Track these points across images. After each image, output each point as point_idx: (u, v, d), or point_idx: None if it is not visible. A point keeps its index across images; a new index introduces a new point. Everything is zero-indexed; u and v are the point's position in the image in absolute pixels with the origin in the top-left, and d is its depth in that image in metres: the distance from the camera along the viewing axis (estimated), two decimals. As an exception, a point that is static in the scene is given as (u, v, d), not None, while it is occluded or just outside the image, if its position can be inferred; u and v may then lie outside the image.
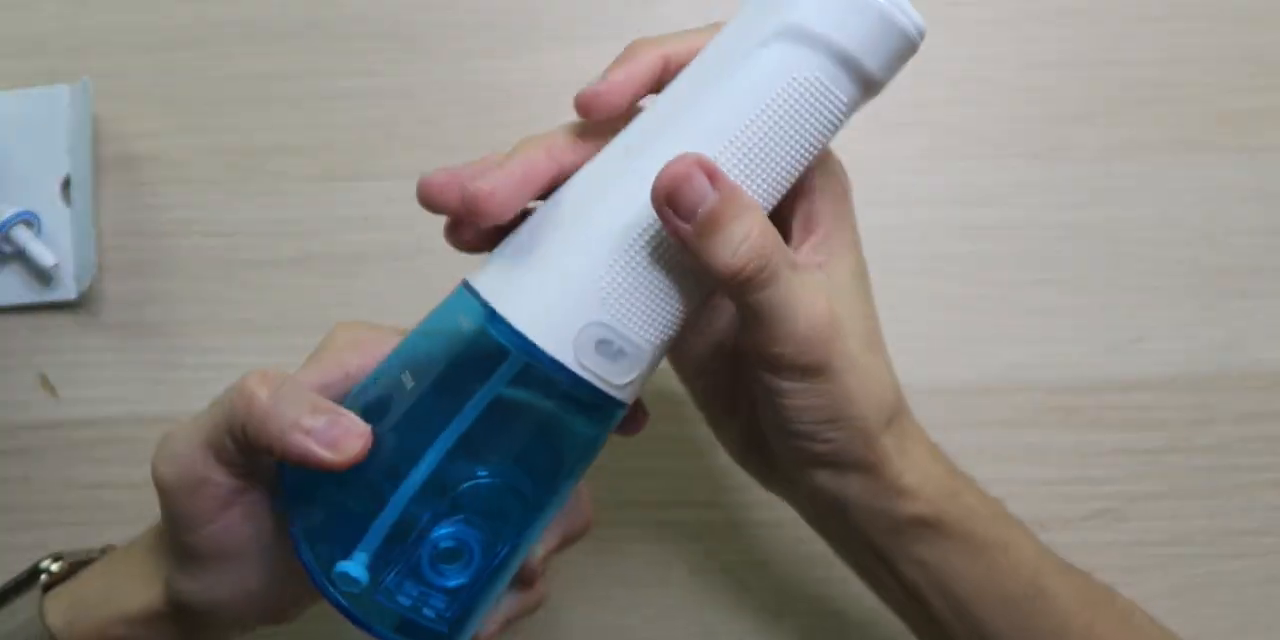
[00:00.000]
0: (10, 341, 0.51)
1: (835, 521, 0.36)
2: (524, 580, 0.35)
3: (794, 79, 0.31)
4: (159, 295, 0.52)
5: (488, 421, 0.31)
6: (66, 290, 0.51)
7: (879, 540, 0.35)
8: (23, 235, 0.51)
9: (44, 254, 0.50)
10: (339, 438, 0.31)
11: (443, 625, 0.32)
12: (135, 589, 0.37)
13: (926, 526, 0.34)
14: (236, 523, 0.34)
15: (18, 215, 0.50)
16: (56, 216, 0.52)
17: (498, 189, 0.31)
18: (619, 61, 0.33)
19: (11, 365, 0.51)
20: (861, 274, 0.35)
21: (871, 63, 0.32)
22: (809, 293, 0.32)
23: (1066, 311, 0.52)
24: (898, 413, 0.34)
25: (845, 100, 0.32)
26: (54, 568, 0.40)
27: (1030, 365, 0.52)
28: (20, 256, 0.51)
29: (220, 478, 0.33)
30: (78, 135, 0.52)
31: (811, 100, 0.31)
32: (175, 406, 0.51)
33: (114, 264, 0.52)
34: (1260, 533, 0.51)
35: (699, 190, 0.30)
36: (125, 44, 0.54)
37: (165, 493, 0.34)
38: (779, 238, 0.31)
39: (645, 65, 0.33)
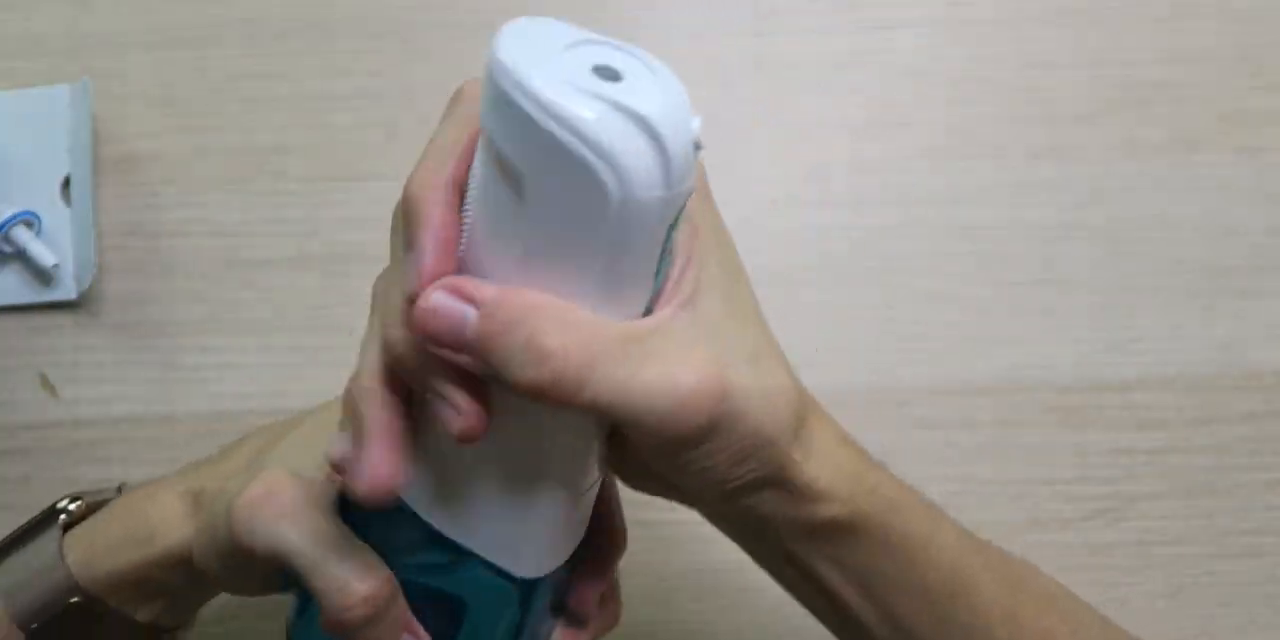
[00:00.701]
0: (10, 341, 0.51)
1: (747, 532, 0.34)
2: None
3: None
4: (159, 295, 0.52)
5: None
6: (66, 290, 0.51)
7: (793, 545, 0.33)
8: (23, 235, 0.51)
9: (44, 254, 0.50)
10: None
11: None
12: (159, 533, 0.37)
13: (842, 527, 0.32)
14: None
15: (18, 215, 0.50)
16: (56, 216, 0.52)
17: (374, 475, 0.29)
18: (417, 230, 0.28)
19: (11, 365, 0.51)
20: (729, 289, 0.30)
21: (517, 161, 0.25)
22: (656, 365, 0.27)
23: (1066, 311, 0.52)
24: (800, 416, 0.31)
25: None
26: (71, 507, 0.40)
27: (1030, 365, 0.52)
28: (20, 256, 0.51)
29: None
30: (78, 135, 0.52)
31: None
32: (175, 406, 0.51)
33: (114, 264, 0.52)
34: (1260, 533, 0.51)
35: (453, 314, 0.27)
36: (125, 44, 0.54)
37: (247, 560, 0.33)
38: (585, 327, 0.27)
39: (455, 222, 0.28)
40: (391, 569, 0.32)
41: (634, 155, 0.24)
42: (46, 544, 0.38)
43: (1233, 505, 0.51)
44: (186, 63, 0.54)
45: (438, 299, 0.27)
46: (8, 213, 0.50)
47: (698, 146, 0.25)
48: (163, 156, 0.53)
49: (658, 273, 0.28)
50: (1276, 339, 0.52)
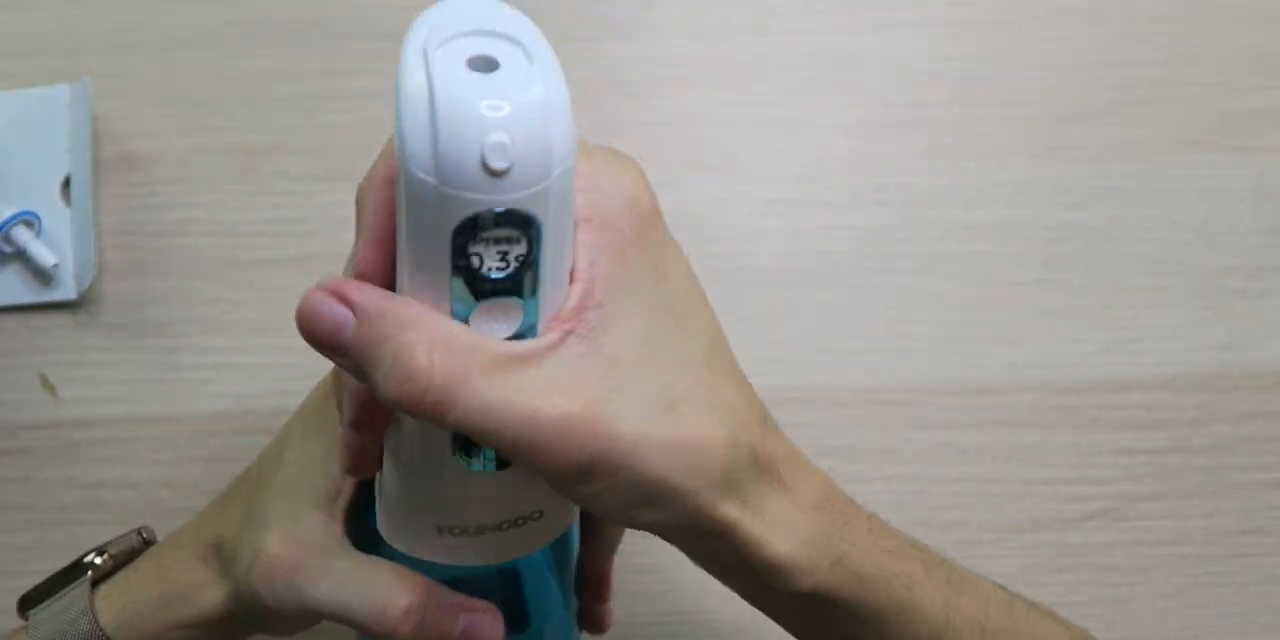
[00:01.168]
0: (10, 341, 0.51)
1: (715, 572, 0.33)
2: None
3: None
4: (159, 295, 0.52)
5: None
6: (66, 290, 0.51)
7: (758, 602, 0.33)
8: (23, 235, 0.51)
9: (44, 254, 0.50)
10: None
11: None
12: (194, 595, 0.37)
13: (806, 598, 0.31)
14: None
15: (18, 215, 0.50)
16: (56, 216, 0.52)
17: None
18: (359, 225, 0.30)
19: (11, 365, 0.51)
20: (652, 329, 0.28)
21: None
22: (527, 393, 0.26)
23: (1066, 311, 0.52)
24: (741, 471, 0.29)
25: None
26: (98, 561, 0.39)
27: (1030, 365, 0.52)
28: (20, 256, 0.51)
29: None
30: (78, 135, 0.52)
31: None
32: (175, 406, 0.51)
33: (114, 264, 0.52)
34: (1260, 533, 0.51)
35: (331, 318, 0.27)
36: (125, 44, 0.54)
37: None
38: (459, 346, 0.26)
39: (388, 216, 0.29)
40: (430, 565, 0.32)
41: (415, 133, 0.24)
42: (76, 601, 0.38)
43: (1233, 505, 0.51)
44: (186, 63, 0.54)
45: (316, 300, 0.27)
46: (8, 213, 0.50)
47: (493, 170, 0.24)
48: (163, 156, 0.53)
49: (525, 294, 0.26)
50: (1276, 339, 0.52)
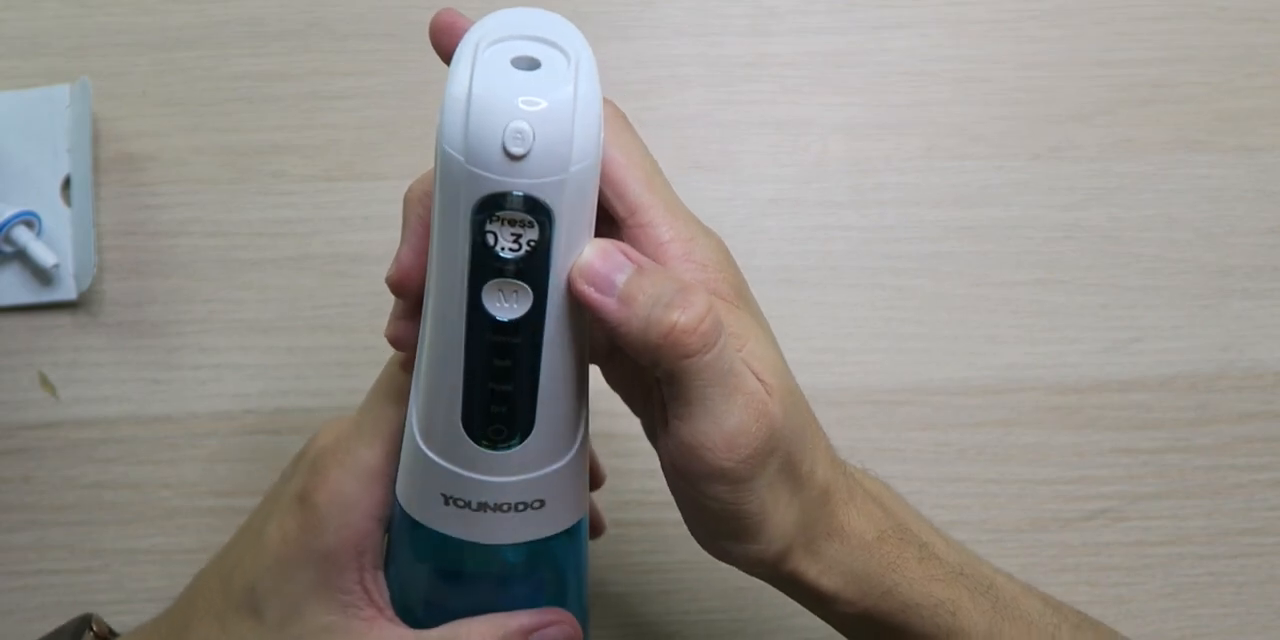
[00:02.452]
0: (10, 341, 0.51)
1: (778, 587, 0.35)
2: None
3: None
4: (159, 295, 0.52)
5: None
6: (66, 290, 0.51)
7: (813, 612, 0.34)
8: (23, 235, 0.51)
9: (44, 254, 0.50)
10: None
11: None
12: None
13: (857, 618, 0.33)
14: None
15: (18, 215, 0.50)
16: (56, 216, 0.52)
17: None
18: (404, 227, 0.32)
19: (11, 365, 0.51)
20: (791, 379, 0.32)
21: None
22: (750, 382, 0.29)
23: (1066, 311, 0.52)
24: (814, 528, 0.32)
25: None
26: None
27: (1029, 365, 0.52)
28: (20, 256, 0.51)
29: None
30: (78, 135, 0.52)
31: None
32: (175, 406, 0.51)
33: (114, 264, 0.52)
34: (1260, 533, 0.51)
35: (615, 263, 0.29)
36: (125, 44, 0.54)
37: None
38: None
39: (423, 228, 0.31)
40: (477, 587, 0.34)
41: (452, 114, 0.27)
42: None
43: (1233, 505, 0.51)
44: (186, 63, 0.54)
45: (609, 249, 0.29)
46: (8, 213, 0.50)
47: (511, 154, 0.27)
48: (163, 156, 0.53)
49: (534, 280, 0.28)
50: (1276, 339, 0.52)
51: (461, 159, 0.27)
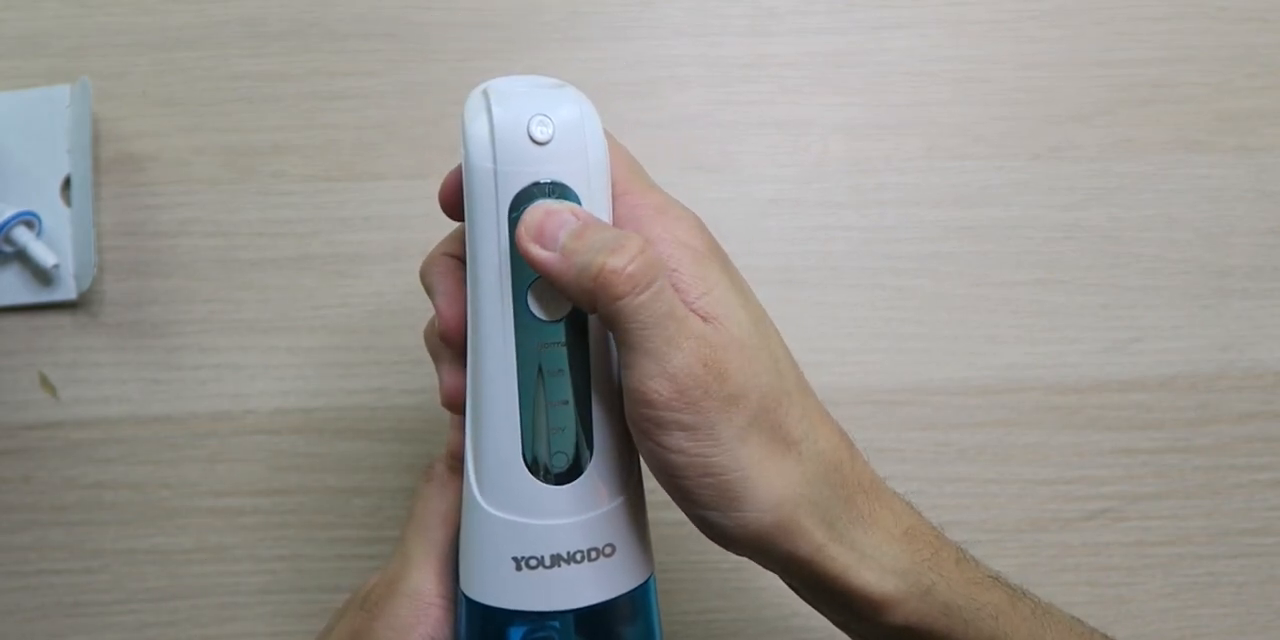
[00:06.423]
0: (10, 341, 0.51)
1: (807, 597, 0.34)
2: None
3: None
4: (159, 295, 0.52)
5: None
6: (66, 290, 0.51)
7: (851, 634, 0.33)
8: (23, 235, 0.51)
9: (44, 254, 0.50)
10: None
11: None
12: None
13: (900, 632, 0.32)
14: None
15: (18, 215, 0.50)
16: (56, 216, 0.52)
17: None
18: (432, 292, 0.34)
19: (11, 365, 0.51)
20: (764, 338, 0.32)
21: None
22: (695, 325, 0.30)
23: (1065, 311, 0.52)
24: (832, 509, 0.31)
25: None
26: None
27: (1029, 365, 0.52)
28: (20, 256, 0.51)
29: None
30: (78, 135, 0.52)
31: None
32: (175, 406, 0.51)
33: (114, 264, 0.52)
34: (1260, 533, 0.51)
35: (561, 220, 0.30)
36: (125, 44, 0.54)
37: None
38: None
39: (453, 278, 0.33)
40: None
41: (476, 135, 0.30)
42: None
43: (1233, 505, 0.51)
44: (186, 63, 0.54)
45: (555, 208, 0.30)
46: (8, 213, 0.50)
47: (536, 140, 0.30)
48: (163, 156, 0.53)
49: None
50: (1276, 339, 0.52)
51: (491, 166, 0.30)
